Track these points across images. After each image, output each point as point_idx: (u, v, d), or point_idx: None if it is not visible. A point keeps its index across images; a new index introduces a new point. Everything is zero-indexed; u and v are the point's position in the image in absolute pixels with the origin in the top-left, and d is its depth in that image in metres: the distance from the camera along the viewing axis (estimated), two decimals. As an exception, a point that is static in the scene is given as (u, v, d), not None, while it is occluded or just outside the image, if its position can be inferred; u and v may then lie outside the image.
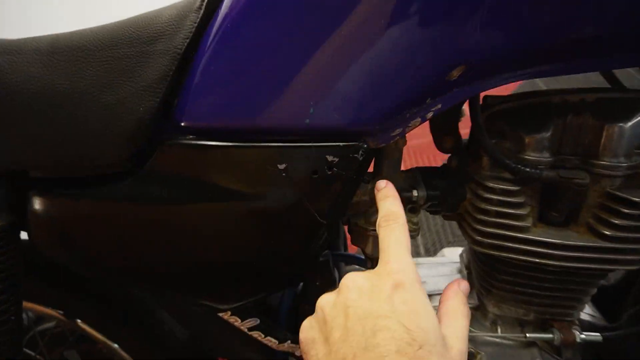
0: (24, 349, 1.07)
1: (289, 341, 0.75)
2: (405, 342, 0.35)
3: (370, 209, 0.65)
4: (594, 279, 0.63)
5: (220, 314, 0.73)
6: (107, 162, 0.57)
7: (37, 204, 0.63)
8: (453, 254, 0.92)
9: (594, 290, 0.65)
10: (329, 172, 0.57)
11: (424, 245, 1.79)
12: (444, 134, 0.65)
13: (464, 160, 0.64)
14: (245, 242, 0.61)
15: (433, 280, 0.80)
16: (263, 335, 0.74)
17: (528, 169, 0.57)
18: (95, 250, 0.65)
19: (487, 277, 0.68)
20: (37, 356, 1.06)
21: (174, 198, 0.59)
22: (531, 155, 0.59)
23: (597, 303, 0.78)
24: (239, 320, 0.73)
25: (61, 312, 0.91)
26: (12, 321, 0.73)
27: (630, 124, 0.56)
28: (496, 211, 0.61)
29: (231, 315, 0.73)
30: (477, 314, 0.71)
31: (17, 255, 0.71)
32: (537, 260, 0.60)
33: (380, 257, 0.46)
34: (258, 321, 0.74)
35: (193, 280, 0.65)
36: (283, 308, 0.78)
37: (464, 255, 0.84)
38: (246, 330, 0.74)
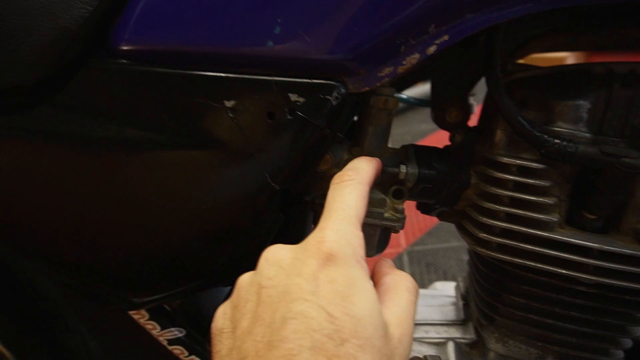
0: None
1: (222, 365, 0.56)
2: (325, 334, 0.27)
3: (344, 187, 0.49)
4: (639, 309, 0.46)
5: (136, 317, 0.55)
6: (17, 80, 0.45)
7: None
8: (446, 287, 0.75)
9: (637, 331, 0.48)
10: (290, 117, 0.43)
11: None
12: (448, 103, 0.51)
13: (472, 138, 0.49)
14: (172, 201, 0.46)
15: (420, 309, 0.62)
16: (187, 353, 0.56)
17: (558, 140, 0.42)
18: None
19: (491, 299, 0.50)
20: None
21: (94, 136, 0.46)
22: (563, 128, 0.44)
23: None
24: (158, 328, 0.55)
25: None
26: None
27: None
28: (511, 198, 0.45)
29: (148, 319, 0.55)
30: (473, 352, 0.53)
31: None
32: (563, 271, 0.43)
33: (318, 223, 0.35)
34: (183, 333, 0.56)
35: (100, 248, 0.48)
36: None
37: (460, 284, 0.67)
38: (166, 343, 0.56)
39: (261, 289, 0.31)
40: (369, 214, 0.47)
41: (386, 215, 0.48)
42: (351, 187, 0.38)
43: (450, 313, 0.61)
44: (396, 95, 0.62)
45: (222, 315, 0.33)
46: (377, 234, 0.48)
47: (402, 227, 0.49)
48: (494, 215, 0.46)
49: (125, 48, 0.44)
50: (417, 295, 0.35)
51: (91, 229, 0.48)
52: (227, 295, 0.60)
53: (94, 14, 0.45)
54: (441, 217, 0.54)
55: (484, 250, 0.46)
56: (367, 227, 0.48)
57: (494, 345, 0.51)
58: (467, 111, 0.51)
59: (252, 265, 0.49)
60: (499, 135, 0.47)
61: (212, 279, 0.50)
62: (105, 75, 0.45)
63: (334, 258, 0.31)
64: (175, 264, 0.48)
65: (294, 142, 0.43)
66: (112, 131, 0.45)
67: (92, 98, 0.45)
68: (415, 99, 0.64)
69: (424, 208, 0.54)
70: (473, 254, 0.56)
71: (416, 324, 0.58)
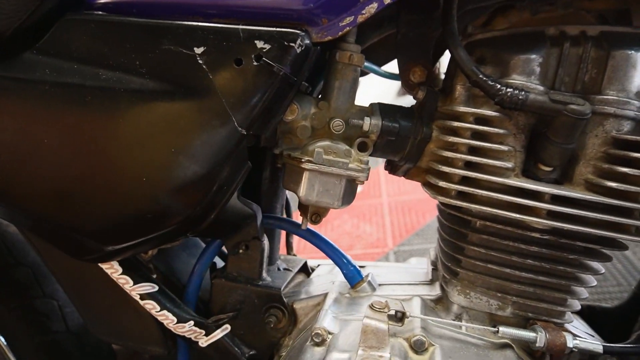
0: None
1: (192, 322, 0.57)
2: None
3: (310, 140, 0.51)
4: (590, 256, 0.47)
5: (109, 271, 0.56)
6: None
7: None
8: (420, 261, 0.76)
9: (590, 281, 0.49)
10: (256, 63, 0.45)
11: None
12: (412, 63, 0.53)
13: (434, 94, 0.51)
14: (142, 147, 0.47)
15: (390, 275, 0.63)
16: (158, 308, 0.57)
17: (510, 89, 0.44)
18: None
19: (454, 252, 0.52)
20: None
21: (68, 82, 0.48)
22: (516, 79, 0.46)
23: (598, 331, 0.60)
24: (131, 282, 0.56)
25: None
26: None
27: (643, 50, 0.44)
28: (468, 146, 0.47)
29: (121, 274, 0.56)
30: (438, 307, 0.54)
31: None
32: (518, 216, 0.45)
33: None
34: (155, 288, 0.57)
35: (73, 196, 0.50)
36: (193, 281, 0.60)
37: (431, 253, 0.68)
38: (138, 297, 0.57)
39: None
40: (334, 163, 0.49)
41: (351, 165, 0.50)
42: None
43: (418, 276, 0.62)
44: (370, 66, 0.64)
45: None
46: (342, 184, 0.50)
47: (366, 178, 0.50)
48: (453, 163, 0.48)
49: (100, 0, 0.47)
50: None
51: (64, 177, 0.49)
52: (194, 266, 0.60)
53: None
54: (407, 175, 0.55)
55: (444, 198, 0.48)
56: (332, 177, 0.50)
57: (457, 298, 0.52)
58: (432, 71, 0.54)
59: (218, 216, 0.51)
60: (458, 90, 0.49)
61: (181, 227, 0.51)
62: (82, 25, 0.47)
63: None
64: (144, 211, 0.50)
65: (260, 87, 0.45)
66: (86, 78, 0.47)
67: (68, 47, 0.47)
68: (385, 71, 0.66)
69: (391, 167, 0.56)
70: (439, 214, 0.57)
71: (384, 284, 0.59)
